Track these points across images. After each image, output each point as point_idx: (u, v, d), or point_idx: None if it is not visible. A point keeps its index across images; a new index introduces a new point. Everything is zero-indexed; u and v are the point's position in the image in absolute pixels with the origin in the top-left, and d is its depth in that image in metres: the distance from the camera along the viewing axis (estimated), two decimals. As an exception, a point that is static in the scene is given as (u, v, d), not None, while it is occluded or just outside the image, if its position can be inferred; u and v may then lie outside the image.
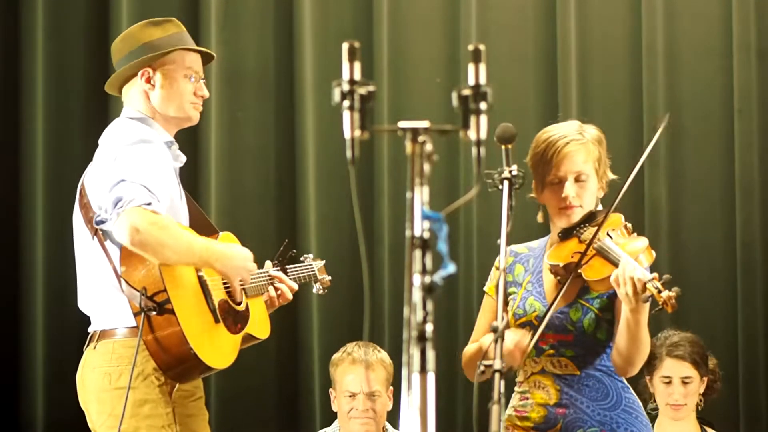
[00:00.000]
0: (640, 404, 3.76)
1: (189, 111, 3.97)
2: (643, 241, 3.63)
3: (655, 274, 3.43)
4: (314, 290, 4.38)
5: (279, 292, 4.12)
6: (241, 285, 3.89)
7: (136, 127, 3.88)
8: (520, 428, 3.69)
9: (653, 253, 3.62)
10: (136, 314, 3.73)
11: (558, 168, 3.66)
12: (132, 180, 3.65)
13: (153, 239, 3.61)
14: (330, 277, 4.41)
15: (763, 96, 5.75)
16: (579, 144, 3.67)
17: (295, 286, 4.19)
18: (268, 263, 4.17)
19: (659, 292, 3.38)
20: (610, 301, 3.63)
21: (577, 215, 3.68)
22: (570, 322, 3.65)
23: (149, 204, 3.62)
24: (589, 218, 3.69)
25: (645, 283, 3.40)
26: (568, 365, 3.66)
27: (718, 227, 5.78)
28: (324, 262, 4.43)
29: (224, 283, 3.90)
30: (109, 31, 5.74)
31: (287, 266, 4.22)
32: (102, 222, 3.74)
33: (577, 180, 3.67)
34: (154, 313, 3.70)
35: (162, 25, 3.98)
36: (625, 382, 3.71)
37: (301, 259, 4.31)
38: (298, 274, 4.25)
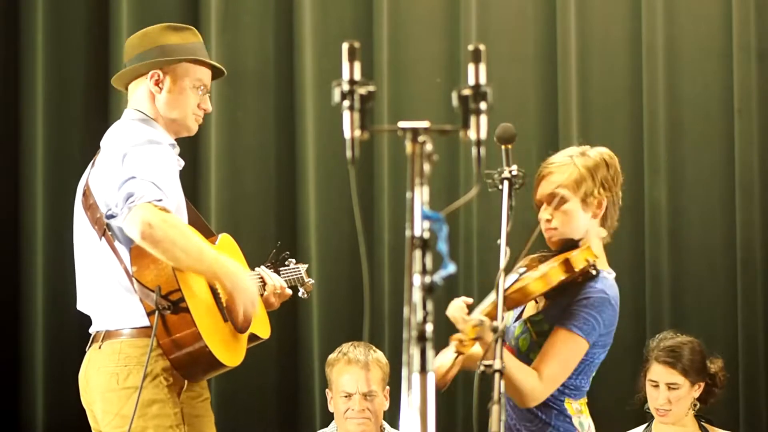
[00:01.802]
0: None
1: (189, 121, 3.98)
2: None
3: (484, 318, 3.31)
4: (299, 293, 4.35)
5: (278, 291, 4.12)
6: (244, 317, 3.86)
7: (142, 128, 3.88)
8: None
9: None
10: (149, 314, 3.72)
11: (535, 192, 3.63)
12: (142, 177, 3.66)
13: (164, 235, 3.60)
14: (312, 281, 4.40)
15: (763, 96, 5.75)
16: (557, 167, 3.59)
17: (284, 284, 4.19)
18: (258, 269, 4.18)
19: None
20: (550, 329, 3.53)
21: (555, 237, 3.59)
22: (513, 336, 3.61)
23: (160, 200, 3.63)
24: (572, 247, 3.56)
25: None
26: None
27: (718, 227, 5.78)
28: (307, 266, 4.42)
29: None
30: (109, 31, 5.74)
31: (279, 269, 4.23)
32: (112, 217, 3.73)
33: (549, 203, 3.58)
34: (169, 311, 3.70)
35: (181, 32, 4.00)
36: (569, 411, 3.55)
37: (286, 263, 4.30)
38: (288, 276, 4.25)
